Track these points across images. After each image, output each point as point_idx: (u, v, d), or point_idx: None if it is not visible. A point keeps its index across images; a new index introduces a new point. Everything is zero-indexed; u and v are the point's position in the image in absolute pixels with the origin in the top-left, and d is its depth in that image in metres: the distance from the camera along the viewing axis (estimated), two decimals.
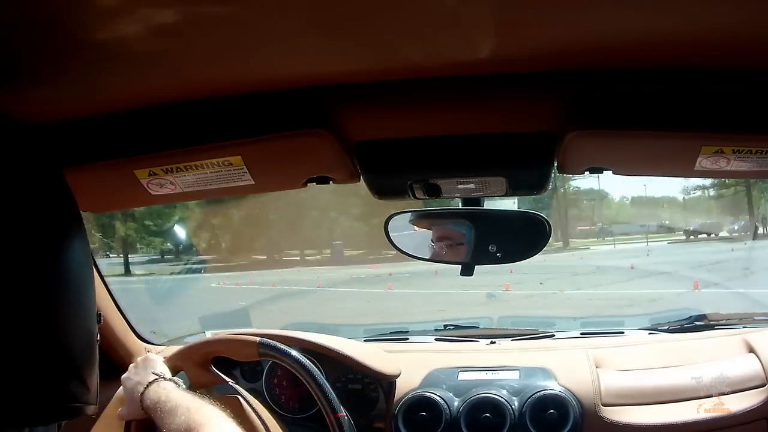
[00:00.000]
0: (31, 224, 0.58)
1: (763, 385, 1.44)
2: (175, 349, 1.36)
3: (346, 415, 1.25)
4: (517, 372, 1.56)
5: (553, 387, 1.49)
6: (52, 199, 0.62)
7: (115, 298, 1.61)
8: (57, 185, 0.64)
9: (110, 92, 0.81)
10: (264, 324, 3.57)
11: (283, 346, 1.30)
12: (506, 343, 1.75)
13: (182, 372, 1.32)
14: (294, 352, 1.30)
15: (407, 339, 1.85)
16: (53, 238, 0.61)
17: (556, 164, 0.96)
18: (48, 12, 0.59)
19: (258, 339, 1.31)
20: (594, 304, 8.46)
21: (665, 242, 17.97)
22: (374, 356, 1.56)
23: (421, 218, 1.25)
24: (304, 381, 1.28)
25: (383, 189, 1.00)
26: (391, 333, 1.91)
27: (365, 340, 1.80)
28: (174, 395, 1.12)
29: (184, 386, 1.21)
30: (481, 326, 1.97)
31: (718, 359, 1.55)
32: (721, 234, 17.62)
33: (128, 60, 0.71)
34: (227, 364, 1.59)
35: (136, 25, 0.63)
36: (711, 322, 1.78)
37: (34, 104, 0.79)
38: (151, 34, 0.65)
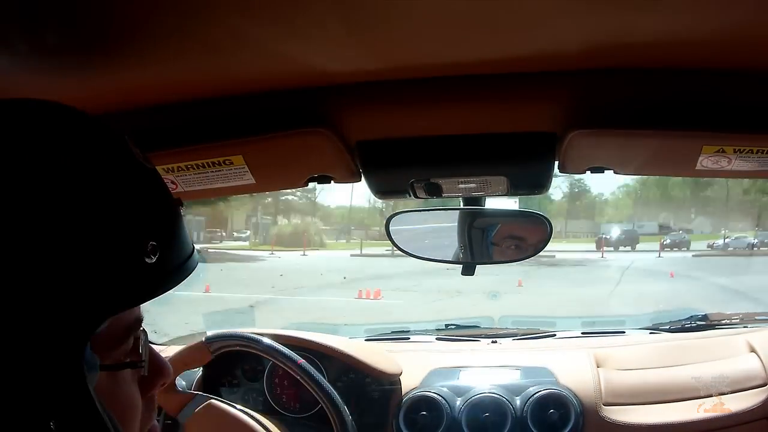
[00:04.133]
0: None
1: (763, 385, 1.44)
2: None
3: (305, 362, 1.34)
4: (519, 371, 1.57)
5: (554, 386, 1.49)
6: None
7: None
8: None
9: (109, 91, 0.81)
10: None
11: (229, 330, 1.36)
12: (507, 342, 1.75)
13: None
14: (241, 331, 1.36)
15: (408, 338, 1.86)
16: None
17: (557, 164, 0.96)
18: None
19: (204, 337, 1.36)
20: None
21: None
22: (375, 356, 1.57)
23: (422, 218, 1.25)
24: (261, 354, 1.35)
25: (384, 188, 1.01)
26: (392, 332, 1.92)
27: (366, 340, 1.81)
28: None
29: None
30: (482, 326, 1.97)
31: (718, 359, 1.55)
32: None
33: (127, 59, 0.71)
34: (226, 368, 1.60)
35: (136, 26, 0.63)
36: (712, 322, 1.78)
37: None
38: (150, 34, 0.66)
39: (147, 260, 0.49)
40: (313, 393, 1.33)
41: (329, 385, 1.34)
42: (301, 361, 1.33)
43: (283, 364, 1.34)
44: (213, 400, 1.34)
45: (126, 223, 0.49)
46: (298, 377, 1.33)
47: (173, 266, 0.52)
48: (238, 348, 1.38)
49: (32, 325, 0.44)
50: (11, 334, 0.43)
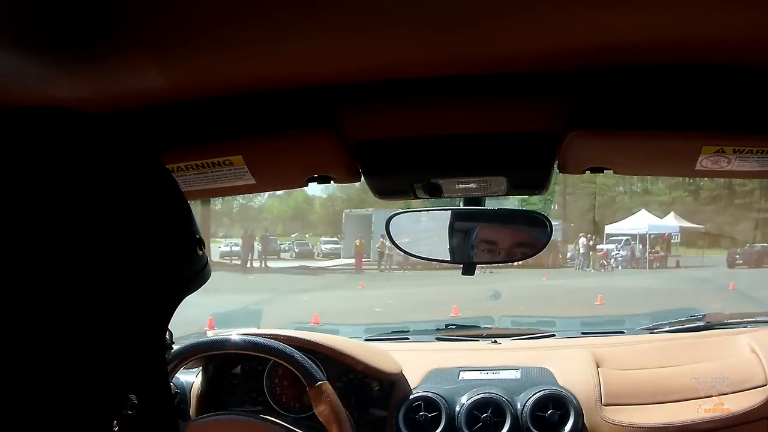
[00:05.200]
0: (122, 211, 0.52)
1: (763, 385, 1.44)
2: None
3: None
4: (518, 372, 1.57)
5: (554, 386, 1.49)
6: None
7: None
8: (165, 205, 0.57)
9: (109, 91, 0.81)
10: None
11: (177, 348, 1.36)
12: (507, 342, 1.75)
13: None
14: (184, 343, 1.37)
15: (408, 339, 1.86)
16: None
17: (556, 164, 0.96)
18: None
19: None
20: None
21: None
22: (375, 356, 1.57)
23: (422, 218, 1.25)
24: (220, 353, 1.38)
25: (384, 188, 1.01)
26: (392, 332, 1.92)
27: (366, 340, 1.81)
28: None
29: None
30: (482, 326, 1.97)
31: (718, 359, 1.55)
32: None
33: (127, 59, 0.71)
34: (226, 369, 1.60)
35: (136, 24, 0.63)
36: (712, 322, 1.79)
37: (30, 101, 0.79)
38: (150, 36, 0.65)
39: (198, 252, 0.56)
40: (270, 358, 1.35)
41: (281, 344, 1.35)
42: (250, 341, 1.35)
43: (241, 351, 1.36)
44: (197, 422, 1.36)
45: (190, 221, 0.57)
46: (259, 355, 1.35)
47: (207, 261, 0.58)
48: (194, 358, 1.39)
49: (129, 308, 0.50)
50: (107, 315, 0.49)
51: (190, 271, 0.55)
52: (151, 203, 0.54)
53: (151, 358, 0.52)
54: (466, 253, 1.20)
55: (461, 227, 1.18)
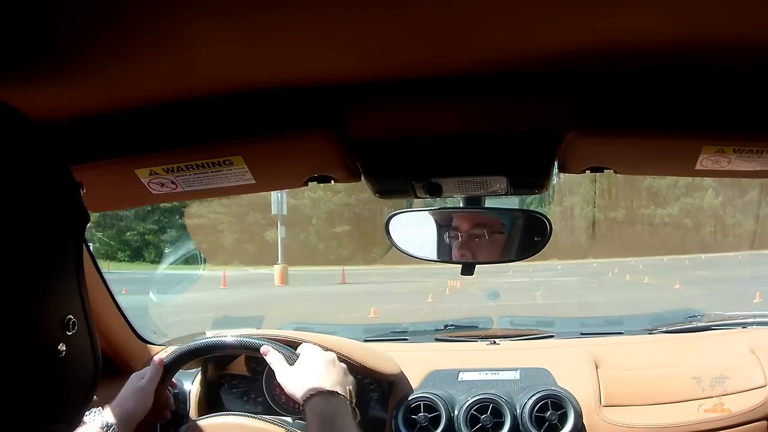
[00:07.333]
0: (34, 222, 0.58)
1: (763, 385, 1.44)
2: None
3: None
4: (517, 372, 1.57)
5: (553, 387, 1.49)
6: (57, 197, 0.63)
7: (115, 297, 1.61)
8: (64, 183, 0.64)
9: (112, 91, 0.81)
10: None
11: (179, 348, 1.37)
12: (506, 343, 1.75)
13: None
14: (188, 344, 1.37)
15: (407, 339, 1.85)
16: (49, 235, 0.60)
17: (556, 164, 0.96)
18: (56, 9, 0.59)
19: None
20: None
21: None
22: (374, 356, 1.56)
23: (422, 218, 1.25)
24: (226, 353, 1.38)
25: (384, 188, 1.01)
26: (391, 333, 1.91)
27: (365, 341, 1.80)
28: None
29: None
30: (480, 326, 1.97)
31: (718, 359, 1.55)
32: None
33: (130, 59, 0.71)
34: (225, 369, 1.60)
35: (138, 24, 0.63)
36: (711, 322, 1.79)
37: (36, 101, 0.79)
38: (149, 35, 0.65)
39: (82, 192, 0.66)
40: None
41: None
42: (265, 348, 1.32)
43: (248, 352, 1.35)
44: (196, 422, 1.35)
45: (69, 171, 0.66)
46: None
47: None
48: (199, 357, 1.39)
49: (50, 242, 0.60)
50: (36, 250, 0.58)
51: (81, 206, 0.66)
52: (39, 169, 0.62)
53: (75, 283, 0.62)
54: (464, 253, 1.20)
55: (459, 227, 1.18)
